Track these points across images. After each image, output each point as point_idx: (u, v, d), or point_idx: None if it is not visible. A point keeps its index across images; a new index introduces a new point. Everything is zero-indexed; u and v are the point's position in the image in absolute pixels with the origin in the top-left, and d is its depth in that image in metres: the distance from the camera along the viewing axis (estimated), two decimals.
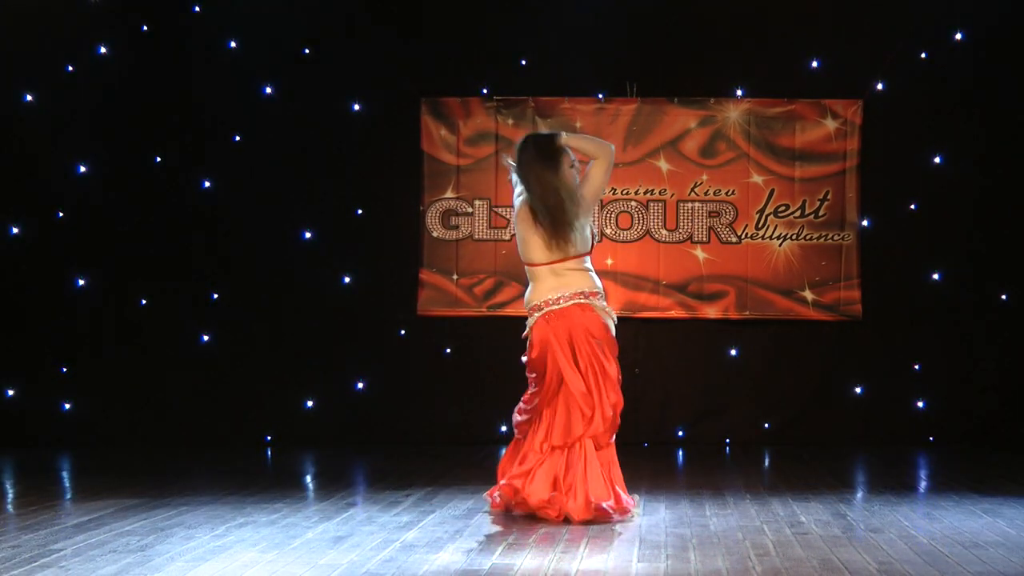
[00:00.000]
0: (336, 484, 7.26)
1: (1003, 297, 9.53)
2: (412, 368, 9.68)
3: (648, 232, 9.57)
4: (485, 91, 9.67)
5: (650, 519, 6.12)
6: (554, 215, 6.18)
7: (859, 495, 6.93)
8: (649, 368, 9.60)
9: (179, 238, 9.69)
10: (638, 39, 9.61)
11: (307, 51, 9.66)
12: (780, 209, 9.56)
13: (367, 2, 9.67)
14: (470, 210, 9.68)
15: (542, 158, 6.24)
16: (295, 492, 6.94)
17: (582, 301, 6.24)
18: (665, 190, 9.60)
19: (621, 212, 9.59)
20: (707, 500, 6.75)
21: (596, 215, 9.59)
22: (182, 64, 9.66)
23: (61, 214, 9.62)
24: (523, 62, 9.68)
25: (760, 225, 9.57)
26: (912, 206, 9.56)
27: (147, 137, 9.65)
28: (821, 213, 9.56)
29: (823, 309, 9.54)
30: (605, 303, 6.36)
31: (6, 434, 9.37)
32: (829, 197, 9.56)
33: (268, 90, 9.68)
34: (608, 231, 9.58)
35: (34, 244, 9.62)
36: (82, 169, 9.62)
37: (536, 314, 6.28)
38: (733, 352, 9.65)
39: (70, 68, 9.56)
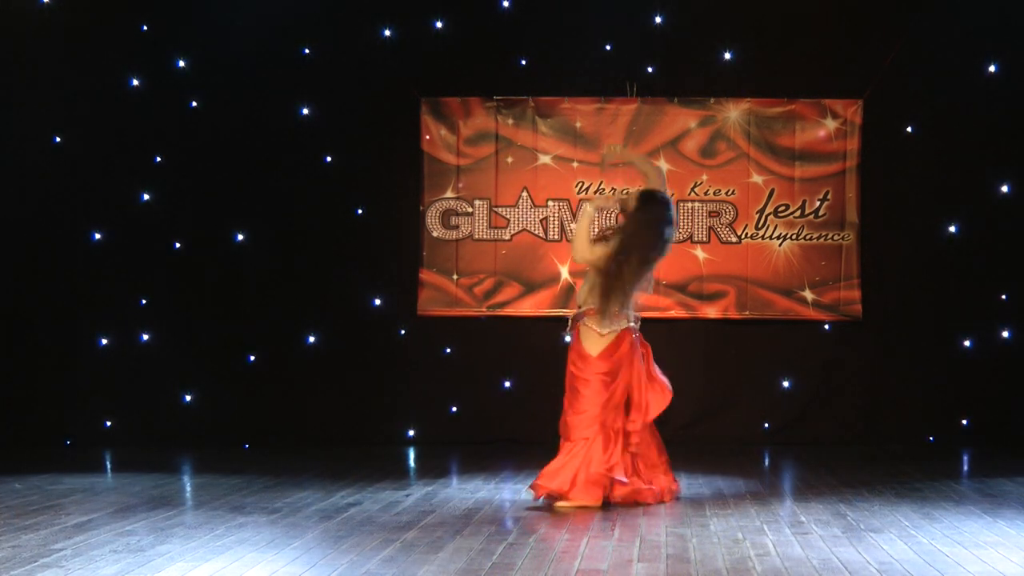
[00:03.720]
0: (336, 484, 7.26)
1: (1003, 297, 9.54)
2: (412, 368, 9.68)
3: None
4: (485, 91, 9.68)
5: (650, 519, 6.12)
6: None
7: (859, 495, 6.92)
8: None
9: (176, 237, 9.70)
10: (638, 39, 9.61)
11: (307, 51, 9.67)
12: (780, 209, 9.56)
13: (368, 2, 9.68)
14: (470, 210, 9.68)
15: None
16: (295, 492, 6.94)
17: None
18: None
19: (621, 212, 9.56)
20: (707, 500, 6.75)
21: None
22: (181, 66, 9.66)
23: (62, 213, 9.65)
24: (523, 62, 9.68)
25: (760, 225, 9.57)
26: (913, 206, 9.58)
27: (147, 137, 9.67)
28: (821, 213, 9.56)
29: (823, 309, 9.54)
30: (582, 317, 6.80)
31: (6, 434, 9.38)
32: (829, 197, 9.56)
33: (268, 90, 9.67)
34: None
35: (33, 241, 9.64)
36: (85, 168, 9.64)
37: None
38: (733, 352, 9.65)
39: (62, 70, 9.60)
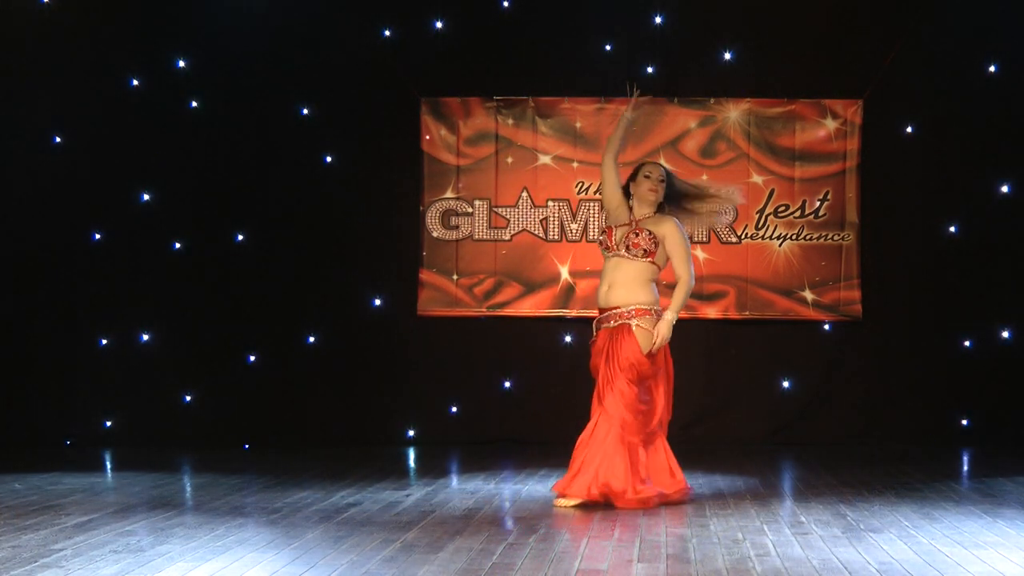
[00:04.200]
0: (336, 484, 7.26)
1: (1003, 297, 9.53)
2: (412, 368, 9.68)
3: None
4: (485, 91, 9.67)
5: (650, 519, 6.12)
6: None
7: (859, 495, 6.92)
8: None
9: (176, 237, 9.70)
10: (638, 39, 9.61)
11: (307, 51, 9.65)
12: (780, 209, 9.56)
13: (368, 2, 9.68)
14: (470, 210, 9.68)
15: None
16: (295, 492, 6.94)
17: None
18: None
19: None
20: (707, 500, 6.75)
21: (597, 216, 9.61)
22: (181, 66, 9.66)
23: (62, 213, 9.65)
24: (523, 62, 9.67)
25: (760, 225, 9.57)
26: (913, 206, 9.58)
27: (147, 137, 9.66)
28: (821, 213, 9.56)
29: (823, 309, 9.54)
30: None
31: (7, 434, 9.38)
32: (829, 197, 9.56)
33: (268, 90, 9.66)
34: None
35: (33, 241, 9.64)
36: (85, 168, 9.64)
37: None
38: (733, 352, 9.65)
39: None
